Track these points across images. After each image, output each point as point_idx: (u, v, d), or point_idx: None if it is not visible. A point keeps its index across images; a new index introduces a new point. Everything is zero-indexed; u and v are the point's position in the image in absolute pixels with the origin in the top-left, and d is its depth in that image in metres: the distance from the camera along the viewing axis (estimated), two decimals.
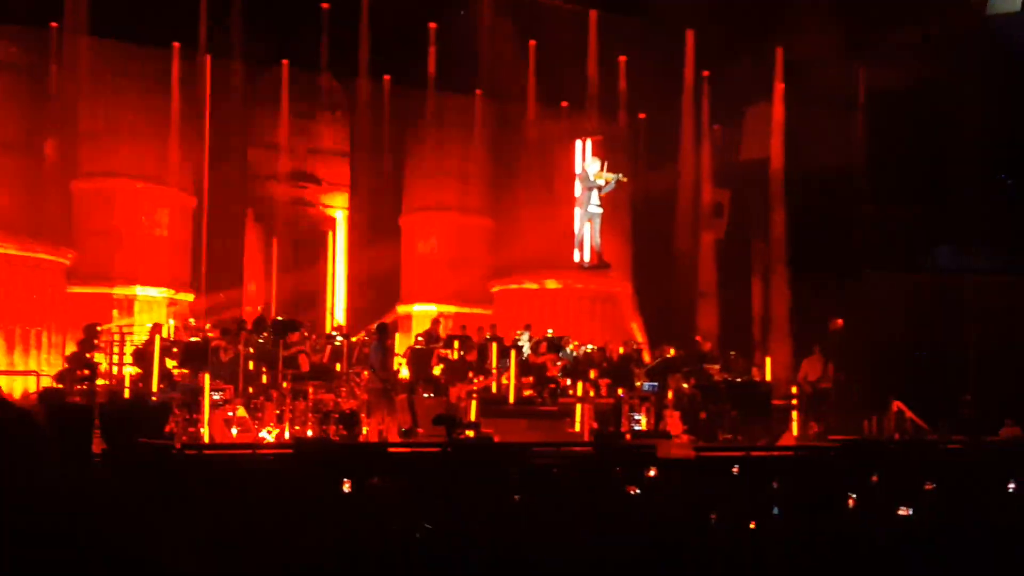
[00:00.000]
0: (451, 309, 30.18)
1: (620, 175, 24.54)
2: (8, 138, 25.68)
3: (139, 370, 21.47)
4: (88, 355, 21.65)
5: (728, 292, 30.56)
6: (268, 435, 19.57)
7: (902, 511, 12.65)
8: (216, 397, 19.52)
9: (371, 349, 21.79)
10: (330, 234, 31.12)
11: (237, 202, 28.99)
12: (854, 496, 13.32)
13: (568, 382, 23.97)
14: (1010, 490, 14.11)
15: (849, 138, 30.01)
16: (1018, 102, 28.76)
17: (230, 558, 9.20)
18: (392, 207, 31.39)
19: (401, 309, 30.82)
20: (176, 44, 26.65)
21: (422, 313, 30.19)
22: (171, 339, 22.54)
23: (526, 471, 15.34)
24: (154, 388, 20.65)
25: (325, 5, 26.62)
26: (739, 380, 24.27)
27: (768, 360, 26.57)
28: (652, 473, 14.58)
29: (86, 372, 21.25)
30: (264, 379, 21.22)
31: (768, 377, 25.75)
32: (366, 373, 21.38)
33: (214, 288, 27.37)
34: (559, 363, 24.62)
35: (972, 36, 29.00)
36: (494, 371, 23.94)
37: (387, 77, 29.25)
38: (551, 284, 30.24)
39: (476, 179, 31.24)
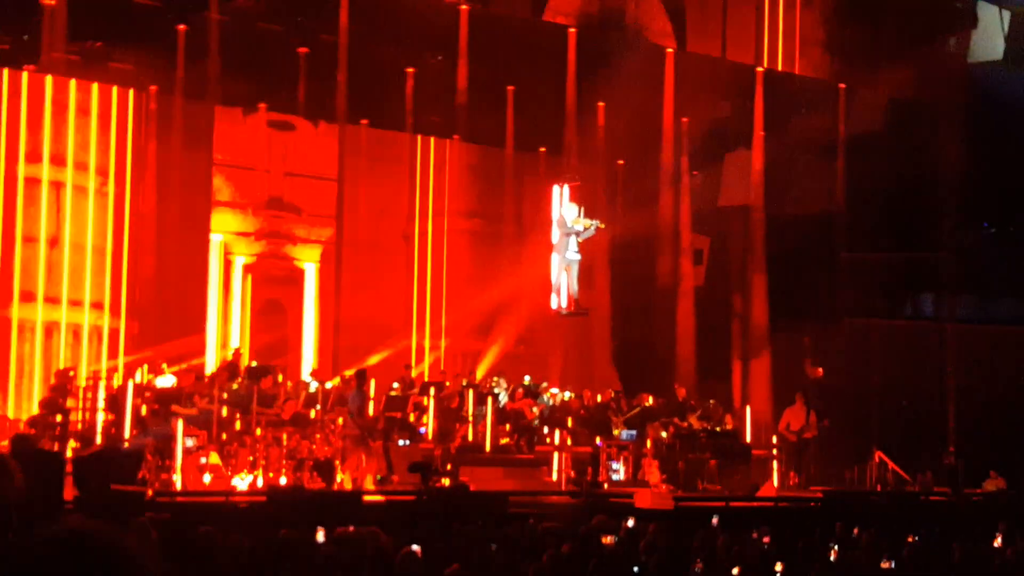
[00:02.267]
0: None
1: (598, 221, 24.31)
2: None
3: (112, 416, 21.19)
4: (60, 400, 21.38)
5: (707, 339, 30.43)
6: (241, 482, 19.30)
7: (884, 564, 12.46)
8: (189, 444, 19.28)
9: (350, 395, 21.54)
10: (308, 271, 30.22)
11: (200, 233, 27.28)
12: (836, 548, 13.14)
13: (545, 430, 23.75)
14: (996, 544, 13.93)
15: (829, 185, 29.97)
16: (1000, 150, 28.78)
17: None
18: (381, 240, 30.01)
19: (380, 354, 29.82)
20: (153, 88, 26.52)
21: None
22: (144, 384, 22.23)
23: (502, 520, 15.14)
24: (127, 434, 20.38)
25: (303, 49, 26.55)
26: (718, 429, 24.10)
27: (748, 408, 26.40)
28: (630, 523, 14.40)
29: (58, 418, 21.01)
30: (238, 426, 20.95)
31: (748, 425, 25.57)
32: (341, 420, 21.13)
33: (177, 330, 26.11)
34: (536, 408, 24.38)
35: (954, 83, 29.05)
36: (470, 418, 23.72)
37: (365, 121, 29.09)
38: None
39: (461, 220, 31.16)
